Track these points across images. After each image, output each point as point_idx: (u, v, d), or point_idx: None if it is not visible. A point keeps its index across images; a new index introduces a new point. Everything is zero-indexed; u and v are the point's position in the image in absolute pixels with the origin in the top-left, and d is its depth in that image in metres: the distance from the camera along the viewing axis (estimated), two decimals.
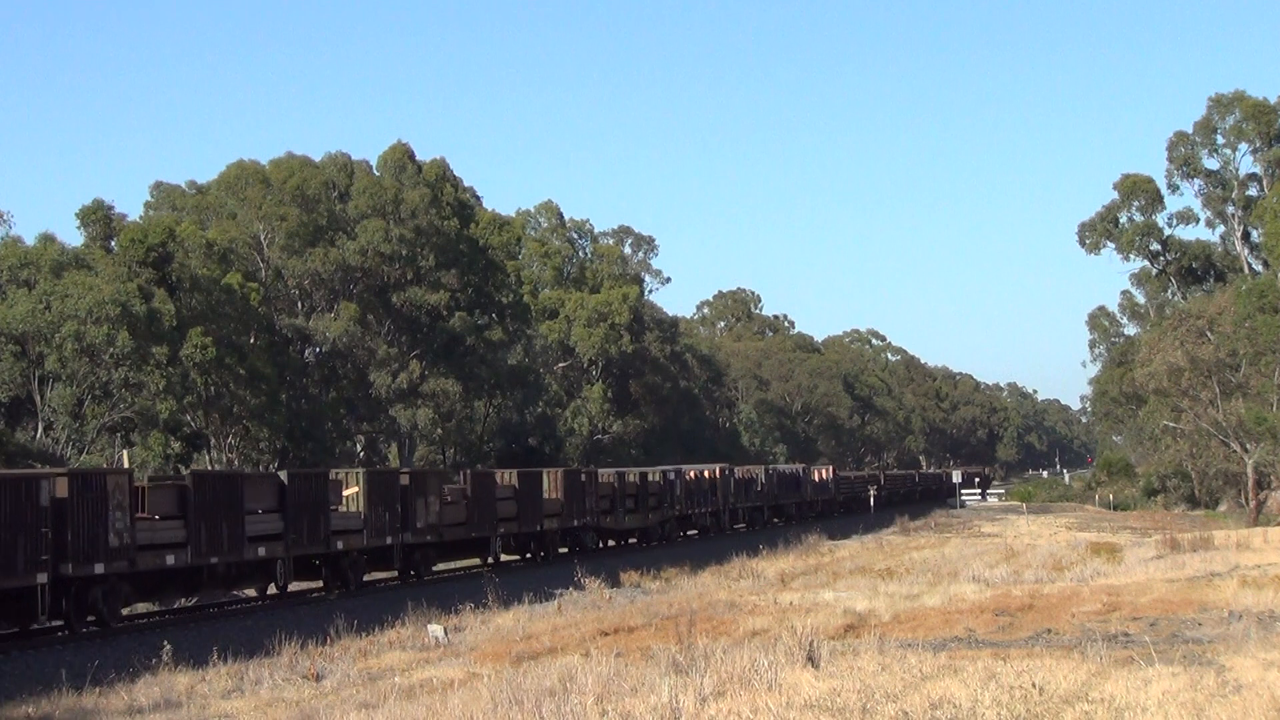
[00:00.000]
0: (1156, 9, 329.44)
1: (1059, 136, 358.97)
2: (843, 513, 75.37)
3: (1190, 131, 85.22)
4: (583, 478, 41.78)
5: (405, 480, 32.31)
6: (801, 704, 13.89)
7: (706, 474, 54.65)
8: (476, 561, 37.32)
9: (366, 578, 31.88)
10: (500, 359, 72.00)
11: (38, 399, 46.41)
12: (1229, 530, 48.66)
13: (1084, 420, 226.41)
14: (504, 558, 37.76)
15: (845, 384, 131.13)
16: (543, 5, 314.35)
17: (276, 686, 18.93)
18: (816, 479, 72.85)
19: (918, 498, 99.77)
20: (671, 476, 50.10)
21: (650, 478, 48.55)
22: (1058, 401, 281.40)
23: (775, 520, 64.15)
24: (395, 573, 32.91)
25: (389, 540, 31.09)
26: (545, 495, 38.83)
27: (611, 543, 45.60)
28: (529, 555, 39.18)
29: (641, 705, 14.00)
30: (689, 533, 52.75)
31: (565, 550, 40.86)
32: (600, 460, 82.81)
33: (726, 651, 17.65)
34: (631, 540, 47.01)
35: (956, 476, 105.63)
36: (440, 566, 35.94)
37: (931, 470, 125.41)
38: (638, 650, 19.61)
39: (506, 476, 38.06)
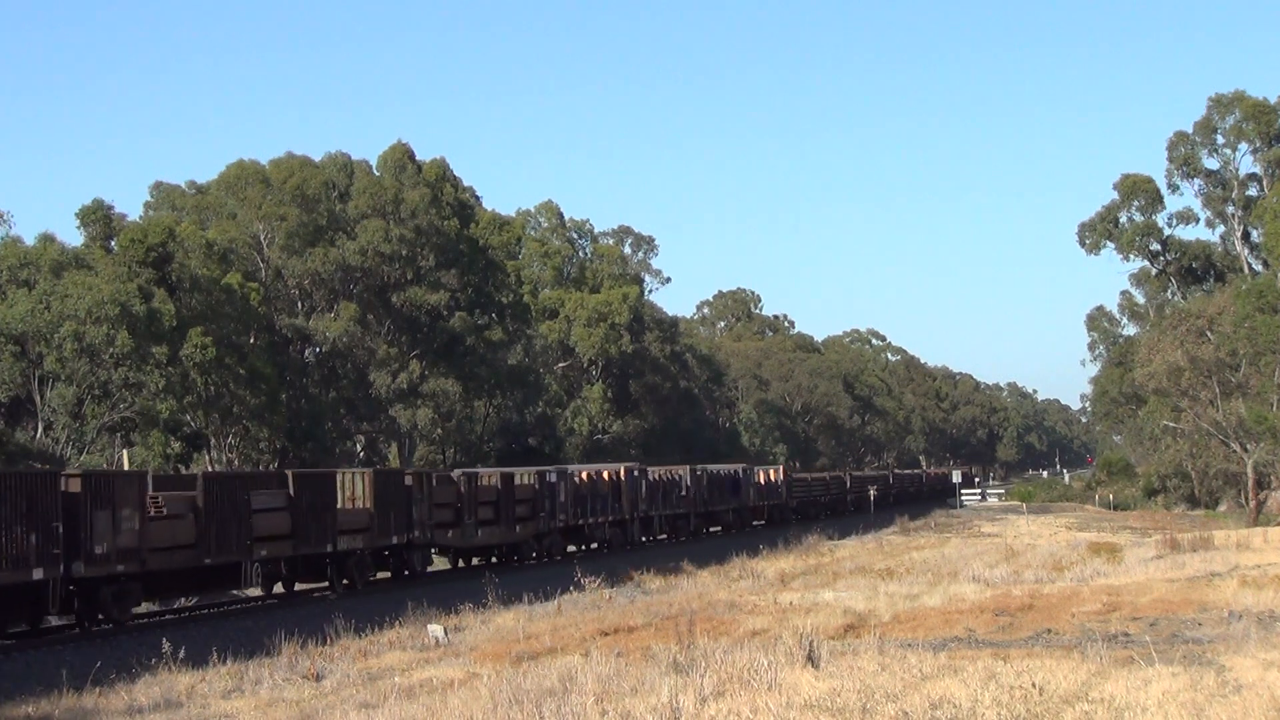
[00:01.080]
0: (1156, 9, 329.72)
1: (1059, 136, 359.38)
2: (798, 520, 64.82)
3: (1190, 131, 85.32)
4: (408, 480, 32.77)
5: (75, 486, 22.47)
6: (801, 704, 13.89)
7: (606, 475, 45.18)
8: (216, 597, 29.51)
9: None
10: (500, 359, 72.02)
11: (37, 399, 46.43)
12: (1229, 530, 48.67)
13: (1084, 420, 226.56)
14: (279, 589, 30.07)
15: (845, 384, 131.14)
16: (543, 5, 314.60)
17: (276, 686, 18.93)
18: (762, 481, 64.34)
19: (892, 501, 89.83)
20: (552, 478, 40.43)
21: (520, 480, 39.28)
22: (1058, 401, 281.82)
23: (710, 530, 56.31)
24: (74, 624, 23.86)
25: (39, 574, 21.36)
26: (342, 504, 30.09)
27: (463, 563, 37.79)
28: (329, 585, 30.12)
29: (641, 705, 14.00)
30: (589, 547, 43.65)
31: (388, 575, 32.89)
32: (600, 461, 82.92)
33: (726, 651, 17.65)
34: (493, 559, 38.59)
35: (956, 476, 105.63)
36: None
37: (903, 471, 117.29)
38: (638, 650, 19.61)
39: (275, 480, 29.24)
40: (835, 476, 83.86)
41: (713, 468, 58.50)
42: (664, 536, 50.34)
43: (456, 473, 37.66)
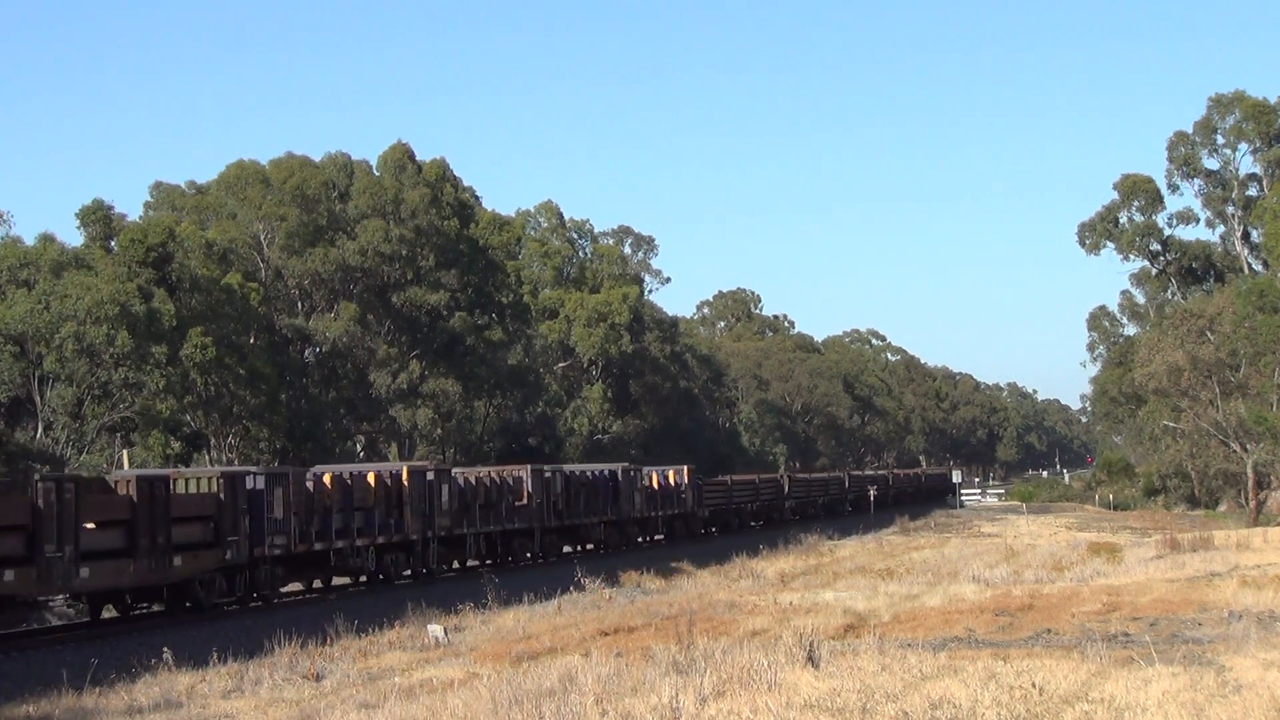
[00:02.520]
0: (1156, 9, 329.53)
1: (1059, 136, 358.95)
2: (720, 533, 56.39)
3: (1190, 131, 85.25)
4: None
5: None
6: (801, 704, 13.89)
7: (372, 478, 32.12)
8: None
9: None
10: (500, 359, 72.00)
11: (37, 399, 46.40)
12: (1229, 530, 48.65)
13: (1084, 420, 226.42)
14: None
15: (845, 384, 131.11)
16: (543, 5, 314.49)
17: (276, 686, 18.94)
18: (654, 485, 49.71)
19: (880, 505, 78.71)
20: (256, 483, 27.71)
21: (192, 486, 27.21)
22: (1058, 401, 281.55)
23: (569, 550, 43.00)
24: None
25: None
26: None
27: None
28: None
29: (641, 705, 14.00)
30: (329, 583, 32.10)
31: None
32: (600, 461, 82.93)
33: (726, 651, 17.65)
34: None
35: (957, 476, 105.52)
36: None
37: (865, 472, 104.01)
38: (638, 650, 19.61)
39: None
40: (768, 481, 67.75)
41: (576, 468, 46.30)
42: (490, 562, 37.78)
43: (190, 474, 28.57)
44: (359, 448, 68.13)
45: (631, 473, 47.44)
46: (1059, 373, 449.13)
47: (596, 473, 45.47)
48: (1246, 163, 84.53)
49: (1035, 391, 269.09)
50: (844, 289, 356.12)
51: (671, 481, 51.58)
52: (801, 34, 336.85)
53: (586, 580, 31.39)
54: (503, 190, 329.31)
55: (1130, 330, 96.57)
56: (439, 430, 69.35)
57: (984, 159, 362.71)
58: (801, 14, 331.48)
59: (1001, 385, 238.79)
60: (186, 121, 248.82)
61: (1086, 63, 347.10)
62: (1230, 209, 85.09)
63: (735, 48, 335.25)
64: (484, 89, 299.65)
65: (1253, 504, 69.32)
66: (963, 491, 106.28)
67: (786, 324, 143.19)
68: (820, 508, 72.80)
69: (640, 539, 48.06)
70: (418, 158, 70.41)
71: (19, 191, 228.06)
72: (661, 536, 50.90)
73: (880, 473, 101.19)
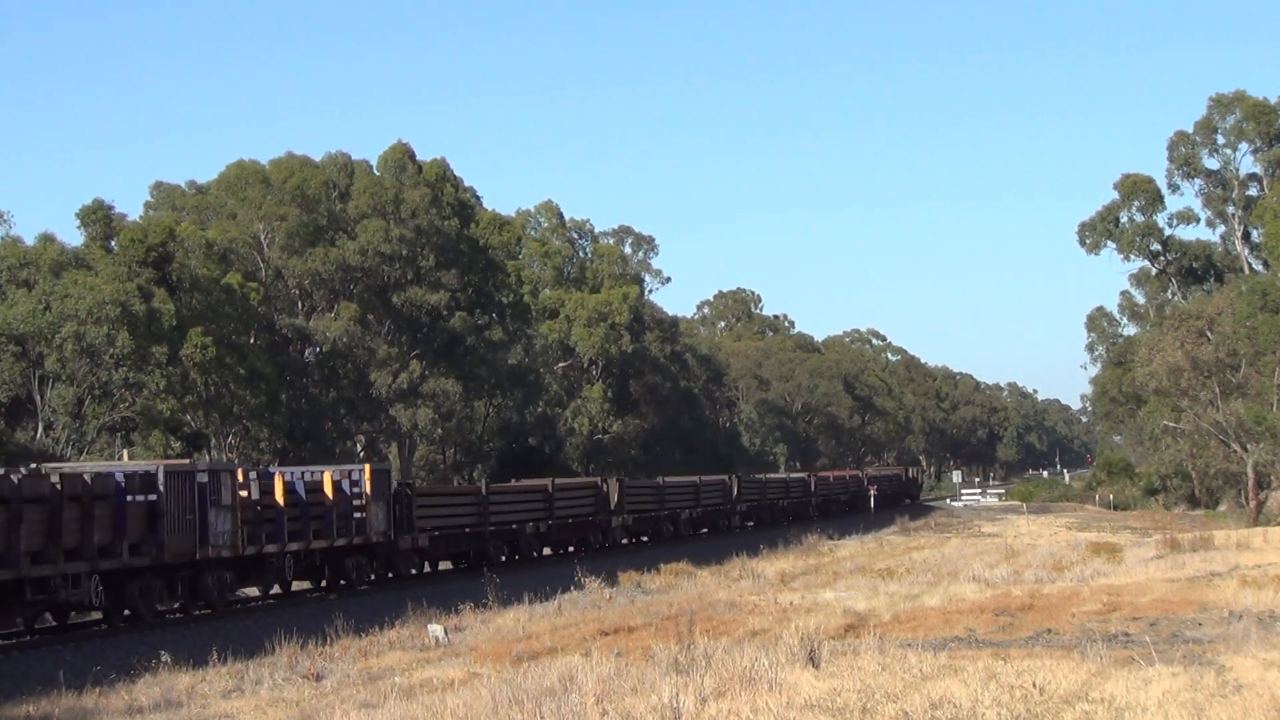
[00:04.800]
0: (1156, 9, 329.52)
1: (1059, 136, 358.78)
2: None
3: (1190, 131, 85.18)
4: None
5: None
6: (802, 704, 13.89)
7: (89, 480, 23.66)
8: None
9: None
10: (500, 359, 72.01)
11: (38, 399, 46.42)
12: (1229, 530, 48.64)
13: (1084, 420, 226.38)
14: None
15: (845, 384, 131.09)
16: (543, 5, 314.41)
17: (276, 686, 18.94)
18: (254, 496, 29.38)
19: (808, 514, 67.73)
20: None
21: None
22: (1058, 401, 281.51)
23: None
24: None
25: None
26: None
27: None
28: None
29: (642, 705, 14.00)
30: None
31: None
32: (601, 460, 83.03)
33: (727, 651, 17.65)
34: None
35: (956, 476, 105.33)
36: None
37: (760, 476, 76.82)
38: (638, 650, 19.61)
39: None
40: (538, 485, 44.89)
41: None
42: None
43: None
44: (359, 448, 68.17)
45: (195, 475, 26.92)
46: (1059, 373, 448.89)
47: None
48: (1247, 163, 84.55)
49: (1035, 391, 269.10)
50: (844, 289, 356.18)
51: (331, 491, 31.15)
52: (801, 34, 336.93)
53: (587, 580, 31.41)
54: (503, 190, 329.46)
55: (1130, 330, 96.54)
56: (439, 430, 69.37)
57: (984, 159, 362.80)
58: (801, 14, 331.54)
59: (1001, 385, 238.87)
60: (186, 121, 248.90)
61: (1086, 63, 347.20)
62: (1230, 209, 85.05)
63: (735, 48, 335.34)
64: (484, 89, 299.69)
65: (1253, 504, 69.31)
66: (963, 491, 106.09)
67: (786, 324, 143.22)
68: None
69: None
70: (418, 158, 70.45)
71: (19, 191, 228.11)
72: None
73: (796, 475, 77.43)
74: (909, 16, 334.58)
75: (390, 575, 34.04)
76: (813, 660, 16.68)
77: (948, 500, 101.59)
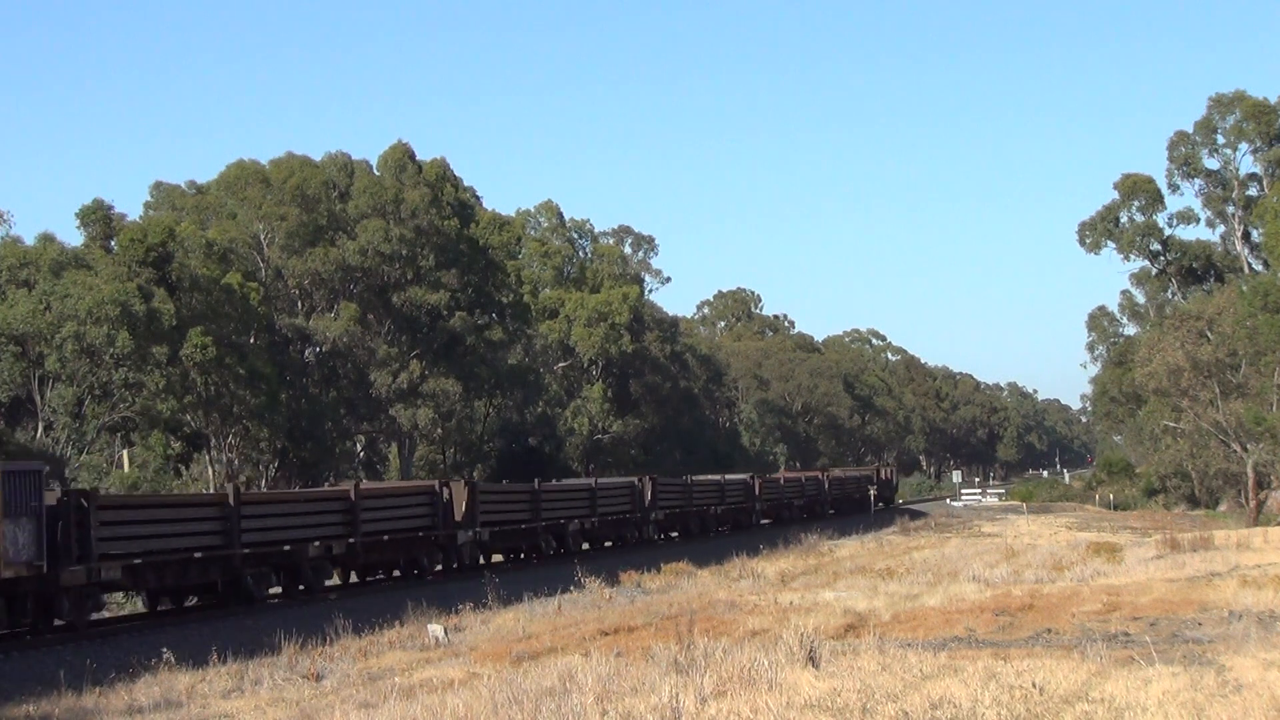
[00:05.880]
0: (1156, 9, 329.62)
1: (1059, 136, 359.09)
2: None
3: (1190, 131, 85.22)
4: None
5: None
6: (802, 704, 13.89)
7: None
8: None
9: None
10: (500, 359, 72.03)
11: (38, 399, 46.43)
12: (1229, 530, 48.61)
13: (1084, 420, 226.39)
14: None
15: (845, 384, 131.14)
16: (543, 5, 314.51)
17: (276, 686, 18.93)
18: None
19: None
20: None
21: None
22: (1058, 401, 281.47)
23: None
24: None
25: None
26: None
27: None
28: None
29: (642, 705, 13.99)
30: None
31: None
32: (600, 460, 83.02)
33: (727, 651, 17.64)
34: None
35: (956, 476, 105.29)
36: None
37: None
38: (638, 650, 19.60)
39: None
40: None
41: None
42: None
43: None
44: (359, 448, 68.18)
45: None
46: (1059, 373, 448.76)
47: None
48: (1247, 163, 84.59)
49: (1035, 391, 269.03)
50: (844, 289, 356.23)
51: None
52: (801, 34, 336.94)
53: (587, 580, 31.41)
54: (503, 190, 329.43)
55: (1130, 330, 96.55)
56: (439, 430, 69.39)
57: (984, 159, 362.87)
58: (801, 14, 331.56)
59: (1001, 385, 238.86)
60: (186, 121, 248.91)
61: (1086, 63, 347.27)
62: (1230, 209, 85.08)
63: (735, 48, 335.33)
64: (484, 89, 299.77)
65: (1253, 504, 69.27)
66: (963, 491, 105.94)
67: (786, 324, 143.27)
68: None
69: None
70: (418, 158, 70.48)
71: (19, 191, 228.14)
72: None
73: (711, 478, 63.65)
74: (909, 16, 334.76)
75: (45, 625, 23.61)
76: (812, 660, 16.67)
77: (948, 500, 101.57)
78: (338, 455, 62.13)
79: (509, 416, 77.08)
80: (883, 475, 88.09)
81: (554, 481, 51.09)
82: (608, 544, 45.92)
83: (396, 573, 34.61)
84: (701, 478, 59.69)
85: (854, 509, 75.94)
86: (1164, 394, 74.51)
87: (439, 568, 35.14)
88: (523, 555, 41.00)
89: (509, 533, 38.43)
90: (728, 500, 58.41)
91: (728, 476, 62.03)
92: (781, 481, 68.55)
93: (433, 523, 34.57)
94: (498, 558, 40.23)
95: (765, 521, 63.78)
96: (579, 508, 43.06)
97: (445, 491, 35.47)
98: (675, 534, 52.88)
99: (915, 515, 71.35)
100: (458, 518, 35.57)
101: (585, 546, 43.98)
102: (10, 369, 45.34)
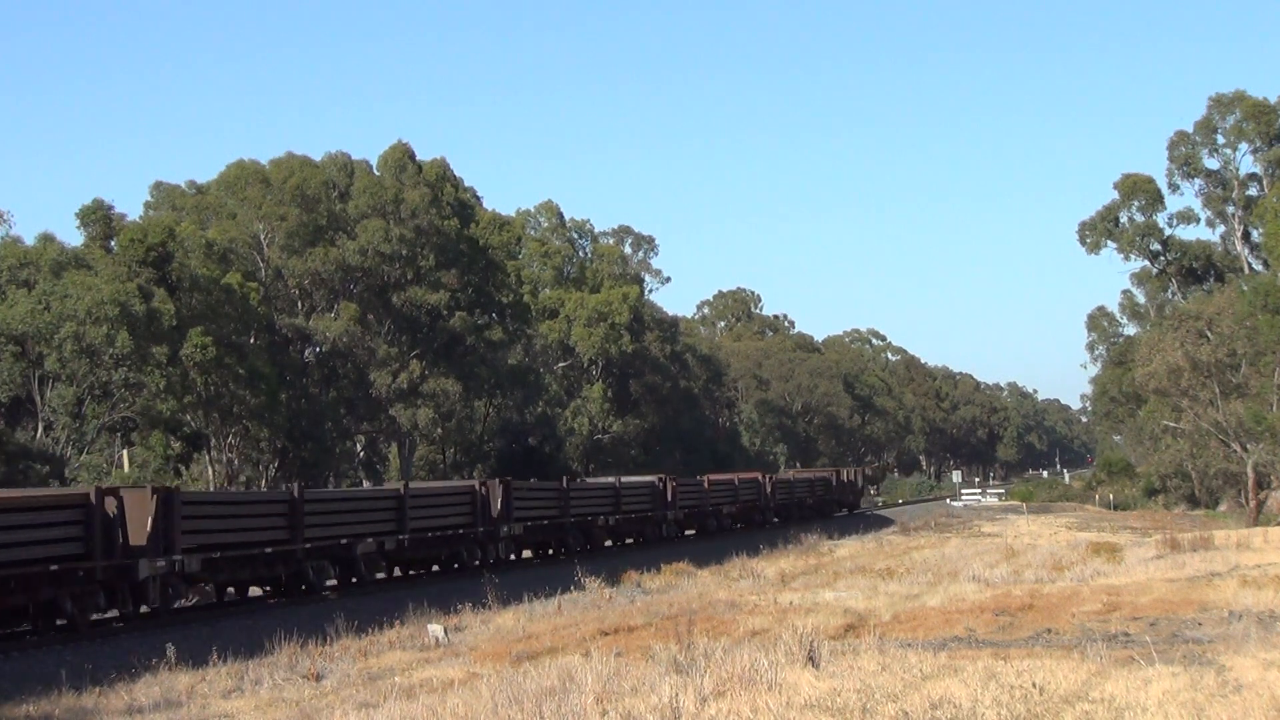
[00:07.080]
0: (1156, 9, 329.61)
1: (1059, 136, 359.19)
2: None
3: (1191, 131, 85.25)
4: None
5: None
6: (801, 704, 13.88)
7: None
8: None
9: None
10: (500, 359, 72.03)
11: (38, 399, 46.43)
12: (1229, 530, 48.59)
13: (1084, 420, 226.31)
14: None
15: (845, 384, 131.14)
16: (543, 5, 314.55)
17: (276, 686, 18.92)
18: None
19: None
20: None
21: None
22: (1058, 401, 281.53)
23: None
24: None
25: None
26: None
27: None
28: None
29: (642, 705, 13.99)
30: None
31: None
32: (600, 460, 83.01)
33: (727, 651, 17.63)
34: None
35: (957, 476, 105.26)
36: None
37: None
38: (638, 650, 19.60)
39: None
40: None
41: None
42: None
43: None
44: (359, 448, 68.17)
45: None
46: (1059, 373, 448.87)
47: None
48: (1247, 163, 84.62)
49: (1035, 391, 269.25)
50: (844, 289, 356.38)
51: None
52: (801, 34, 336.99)
53: (587, 580, 31.42)
54: (503, 190, 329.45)
55: (1130, 330, 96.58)
56: (439, 430, 69.40)
57: (984, 159, 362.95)
58: (801, 14, 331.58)
59: (1001, 385, 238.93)
60: (186, 121, 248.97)
61: (1087, 63, 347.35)
62: (1230, 209, 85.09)
63: (735, 48, 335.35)
64: (484, 89, 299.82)
65: (1253, 504, 69.27)
66: (963, 491, 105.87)
67: (786, 324, 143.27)
68: None
69: None
70: (418, 158, 70.53)
71: (19, 191, 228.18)
72: None
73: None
74: (909, 16, 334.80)
75: None
76: (812, 660, 16.67)
77: (948, 500, 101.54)
78: (338, 455, 62.13)
79: (509, 416, 77.09)
80: (845, 478, 78.24)
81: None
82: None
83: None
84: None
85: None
86: (1164, 394, 74.48)
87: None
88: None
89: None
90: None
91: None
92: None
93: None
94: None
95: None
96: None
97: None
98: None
99: (845, 530, 58.70)
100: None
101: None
102: (10, 369, 45.34)
